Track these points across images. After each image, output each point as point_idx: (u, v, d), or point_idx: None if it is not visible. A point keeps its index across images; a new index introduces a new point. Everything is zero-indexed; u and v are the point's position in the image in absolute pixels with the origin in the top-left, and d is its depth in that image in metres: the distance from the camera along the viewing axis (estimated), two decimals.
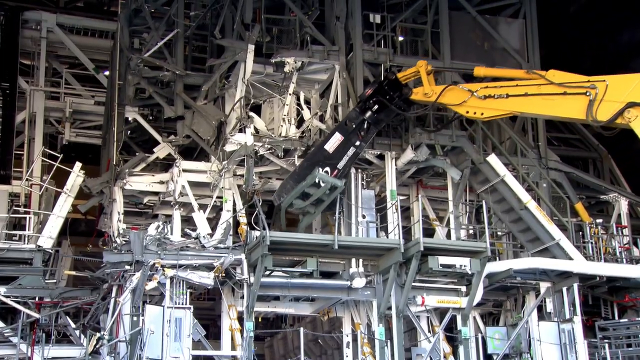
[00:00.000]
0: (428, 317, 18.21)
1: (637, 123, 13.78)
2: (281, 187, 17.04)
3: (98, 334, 15.57)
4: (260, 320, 18.18)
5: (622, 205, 20.35)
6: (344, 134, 16.90)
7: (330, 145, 16.83)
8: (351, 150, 16.91)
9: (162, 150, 19.30)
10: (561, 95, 15.00)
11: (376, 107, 17.04)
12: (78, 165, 18.59)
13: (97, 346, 15.46)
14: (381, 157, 18.35)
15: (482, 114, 16.25)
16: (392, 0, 19.98)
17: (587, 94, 14.52)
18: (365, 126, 17.05)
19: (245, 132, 17.41)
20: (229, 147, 17.49)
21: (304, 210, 16.81)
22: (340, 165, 16.73)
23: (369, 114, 17.04)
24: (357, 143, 16.96)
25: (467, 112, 16.44)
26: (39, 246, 17.52)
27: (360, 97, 17.43)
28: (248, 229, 16.81)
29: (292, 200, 16.52)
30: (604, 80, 14.40)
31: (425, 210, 19.09)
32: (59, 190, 18.46)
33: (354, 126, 16.98)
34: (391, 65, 18.44)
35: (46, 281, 17.36)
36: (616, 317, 18.63)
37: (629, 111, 13.88)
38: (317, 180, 16.04)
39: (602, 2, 25.06)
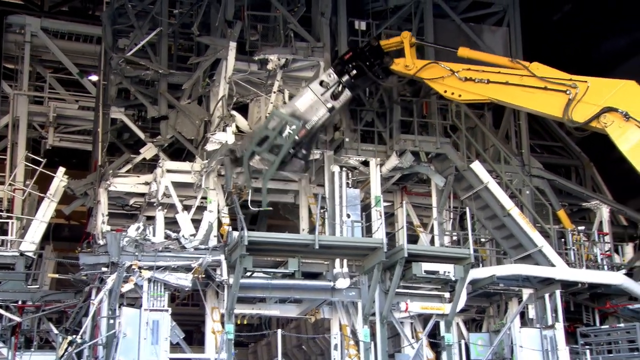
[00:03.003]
0: (412, 323, 18.26)
1: (613, 129, 13.74)
2: (245, 140, 16.85)
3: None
4: (245, 324, 18.02)
5: (604, 213, 20.55)
6: (317, 93, 16.60)
7: (302, 104, 16.57)
8: (322, 111, 16.65)
9: (148, 151, 19.16)
10: (541, 89, 14.94)
11: (354, 72, 16.82)
12: (61, 170, 18.51)
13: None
14: (366, 163, 18.39)
15: (459, 95, 16.15)
16: (377, 7, 20.09)
17: (568, 92, 14.48)
18: (339, 89, 16.79)
19: (226, 131, 17.34)
20: (210, 147, 17.39)
21: (265, 159, 16.36)
22: (309, 125, 16.45)
23: (346, 77, 16.80)
24: (329, 105, 16.70)
25: (445, 91, 16.34)
26: (22, 251, 17.41)
27: (339, 59, 17.24)
28: (230, 229, 16.69)
29: (253, 148, 16.22)
30: (586, 81, 14.41)
31: (409, 217, 19.17)
32: (42, 195, 18.37)
33: (328, 87, 16.72)
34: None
35: (28, 286, 17.25)
36: (597, 324, 18.79)
37: (605, 116, 13.86)
38: (274, 121, 15.81)
39: (585, 11, 25.31)
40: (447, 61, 17.11)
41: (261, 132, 16.28)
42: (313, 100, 16.59)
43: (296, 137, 16.13)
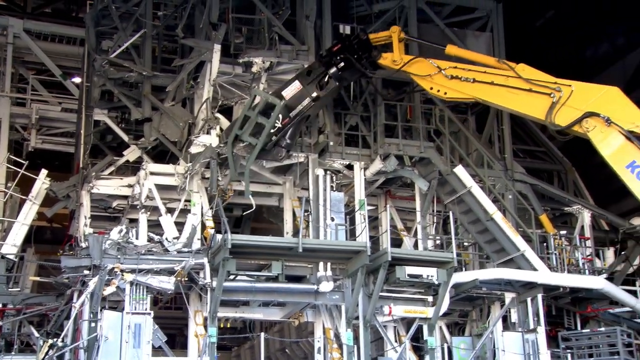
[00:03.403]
0: (395, 327, 18.31)
1: (595, 133, 13.83)
2: (229, 127, 16.79)
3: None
4: (228, 327, 17.99)
5: (585, 217, 20.69)
6: (303, 83, 16.67)
7: (288, 93, 16.58)
8: (306, 101, 16.64)
9: (132, 153, 19.09)
10: (526, 91, 15.01)
11: (342, 64, 16.87)
12: (44, 172, 18.37)
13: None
14: (350, 167, 18.43)
15: (445, 93, 16.18)
16: (362, 11, 20.16)
17: (552, 95, 14.56)
18: (325, 80, 16.82)
19: (210, 134, 17.29)
20: (193, 149, 17.36)
21: (247, 142, 16.38)
22: (293, 113, 16.46)
23: (333, 69, 16.85)
24: (314, 94, 16.68)
25: (431, 88, 16.38)
26: (3, 254, 17.26)
27: (327, 50, 17.28)
28: (213, 232, 16.66)
29: (236, 131, 16.21)
30: (570, 85, 14.50)
31: (393, 221, 19.24)
32: (24, 197, 18.23)
33: (314, 77, 16.72)
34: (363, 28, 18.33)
35: (9, 289, 17.11)
36: (579, 328, 18.88)
37: (587, 121, 13.95)
38: (256, 100, 15.75)
39: (568, 17, 25.55)
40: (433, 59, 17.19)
41: (243, 113, 16.22)
42: (299, 89, 16.62)
43: (278, 122, 16.08)
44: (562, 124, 14.34)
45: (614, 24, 25.83)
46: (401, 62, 16.76)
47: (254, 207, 17.25)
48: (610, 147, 13.66)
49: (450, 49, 16.95)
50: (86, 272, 15.60)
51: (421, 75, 16.47)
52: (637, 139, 13.64)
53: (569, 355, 17.81)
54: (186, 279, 15.93)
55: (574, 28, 26.07)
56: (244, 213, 17.20)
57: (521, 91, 15.11)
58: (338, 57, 16.89)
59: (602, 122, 13.75)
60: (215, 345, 15.72)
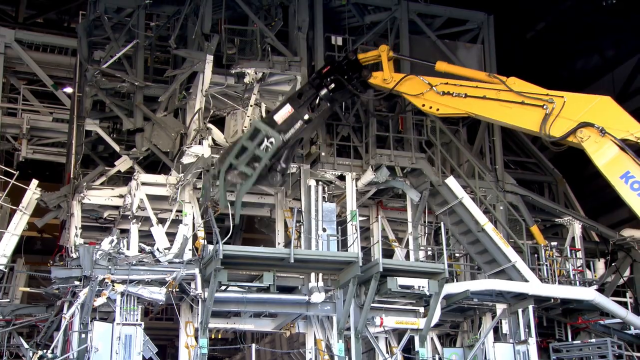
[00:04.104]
0: (386, 338, 18.29)
1: (589, 143, 13.82)
2: (222, 155, 16.82)
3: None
4: (219, 338, 17.90)
5: (576, 229, 20.76)
6: (294, 106, 16.61)
7: (280, 117, 16.51)
8: (299, 124, 16.55)
9: (123, 164, 19.05)
10: (518, 104, 15.03)
11: (333, 85, 16.84)
12: (34, 182, 18.30)
13: None
14: (342, 177, 18.46)
15: (437, 109, 16.17)
16: (354, 23, 20.25)
17: (544, 107, 14.57)
18: (317, 102, 16.78)
19: (202, 144, 17.30)
20: (185, 160, 17.34)
21: (242, 172, 16.22)
22: (286, 137, 16.39)
23: (324, 91, 16.80)
24: (306, 117, 16.61)
25: (423, 105, 16.35)
26: None
27: (317, 72, 17.24)
28: (205, 242, 16.62)
29: (231, 160, 16.11)
30: (563, 97, 14.52)
31: (384, 231, 19.26)
32: (14, 207, 18.16)
33: (305, 99, 16.67)
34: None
35: None
36: (570, 339, 18.94)
37: (582, 131, 13.95)
38: (254, 132, 15.83)
39: (558, 30, 25.73)
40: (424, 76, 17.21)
41: (240, 143, 16.24)
42: (291, 113, 16.61)
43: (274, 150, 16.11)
44: (556, 135, 14.33)
45: (603, 36, 26.02)
46: (392, 81, 16.77)
47: (237, 223, 17.19)
48: (604, 157, 13.66)
49: (440, 66, 16.97)
50: (77, 282, 15.55)
51: (413, 94, 16.47)
52: (632, 150, 13.68)
53: None
54: (177, 289, 15.88)
55: (564, 40, 26.24)
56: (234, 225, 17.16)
57: (514, 104, 15.12)
58: (328, 79, 16.87)
59: (596, 132, 13.77)
60: (206, 356, 15.65)
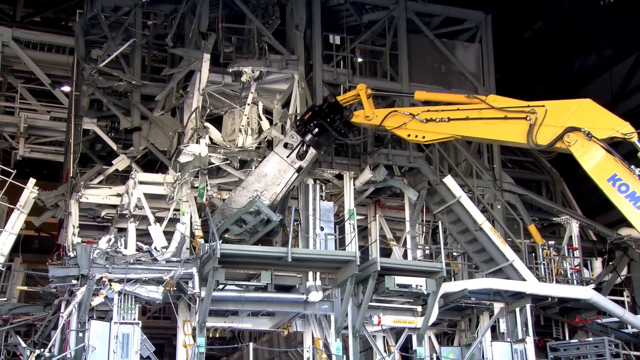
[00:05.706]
0: (384, 337, 18.30)
1: (577, 147, 13.88)
2: (218, 212, 16.96)
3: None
4: (217, 337, 17.89)
5: (573, 228, 20.81)
6: (282, 156, 16.84)
7: (270, 169, 16.83)
8: (290, 173, 16.88)
9: (121, 163, 19.02)
10: (502, 119, 15.05)
11: (316, 130, 16.96)
12: (32, 181, 18.27)
13: None
14: (340, 176, 18.47)
15: (423, 137, 16.20)
16: (352, 22, 20.25)
17: (527, 118, 14.60)
18: (304, 148, 16.95)
19: (199, 143, 17.33)
20: (182, 158, 17.32)
21: (240, 237, 16.65)
22: (278, 189, 16.72)
23: (309, 136, 16.96)
24: (297, 165, 16.90)
25: (409, 135, 16.37)
26: None
27: (299, 120, 17.38)
28: (202, 241, 16.63)
29: (228, 226, 16.41)
30: (543, 106, 14.53)
31: (382, 230, 19.27)
32: (11, 206, 18.14)
33: (293, 149, 16.88)
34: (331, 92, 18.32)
35: None
36: (567, 338, 18.97)
37: (568, 135, 13.99)
38: (254, 208, 16.03)
39: (556, 29, 25.75)
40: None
41: (239, 214, 16.34)
42: (280, 164, 16.80)
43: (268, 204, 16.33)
44: (543, 143, 14.39)
45: (601, 35, 26.06)
46: (374, 117, 16.72)
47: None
48: (591, 160, 13.73)
49: (419, 95, 17.14)
50: (74, 281, 15.51)
51: (396, 127, 16.42)
52: (621, 147, 13.72)
53: None
54: (175, 288, 15.87)
55: (562, 39, 26.28)
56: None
57: (497, 120, 15.12)
58: (312, 124, 16.92)
59: (583, 136, 13.83)
60: (204, 355, 15.65)
